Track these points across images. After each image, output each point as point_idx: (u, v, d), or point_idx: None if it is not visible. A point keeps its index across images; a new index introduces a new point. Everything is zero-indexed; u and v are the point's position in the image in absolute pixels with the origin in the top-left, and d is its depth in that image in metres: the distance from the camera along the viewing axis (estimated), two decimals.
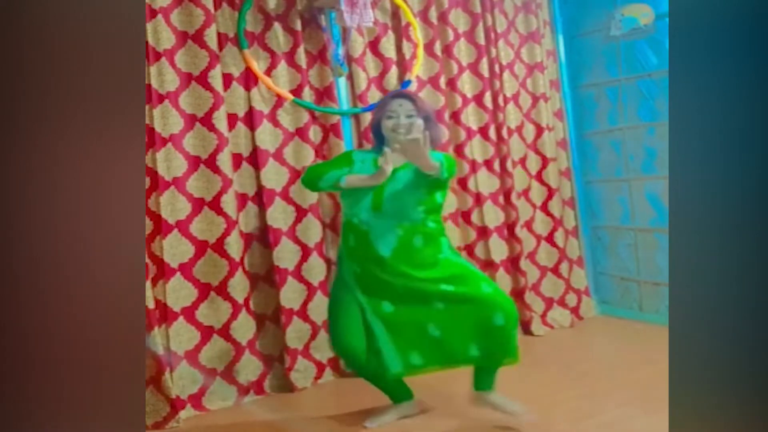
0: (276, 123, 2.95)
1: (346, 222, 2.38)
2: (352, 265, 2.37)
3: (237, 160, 2.89)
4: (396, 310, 2.31)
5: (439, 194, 2.34)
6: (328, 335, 2.47)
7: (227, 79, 2.85)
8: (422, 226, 2.30)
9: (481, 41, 3.47)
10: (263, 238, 2.94)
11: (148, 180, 2.66)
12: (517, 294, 3.53)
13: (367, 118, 3.05)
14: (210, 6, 2.77)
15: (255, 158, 2.90)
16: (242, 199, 2.90)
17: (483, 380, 2.36)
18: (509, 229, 3.52)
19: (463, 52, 3.45)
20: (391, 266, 2.28)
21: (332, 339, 2.44)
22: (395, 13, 3.28)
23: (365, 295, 2.34)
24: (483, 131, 3.46)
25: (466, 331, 2.26)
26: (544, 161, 3.67)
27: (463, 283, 2.28)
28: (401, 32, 3.26)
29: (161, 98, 2.68)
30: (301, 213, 2.97)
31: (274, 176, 2.91)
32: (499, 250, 3.46)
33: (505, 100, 3.54)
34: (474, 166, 3.39)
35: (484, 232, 3.42)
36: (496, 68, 3.52)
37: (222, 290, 2.78)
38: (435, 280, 2.28)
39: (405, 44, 3.26)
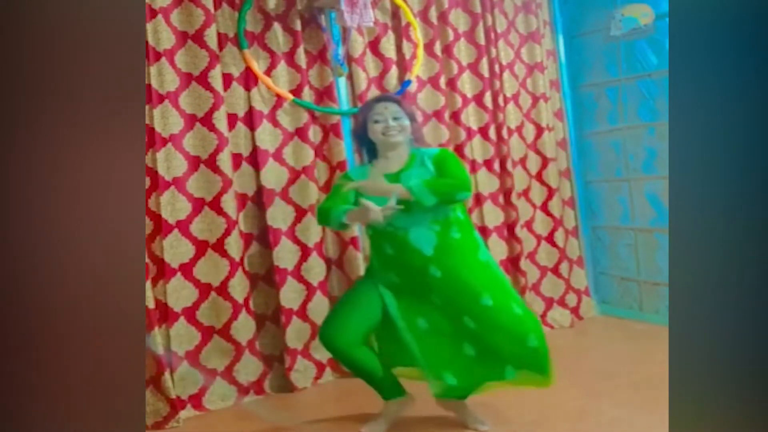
0: (276, 123, 2.95)
1: (378, 232, 2.25)
2: (390, 275, 2.29)
3: (237, 160, 2.89)
4: (431, 328, 2.25)
5: None
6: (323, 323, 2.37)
7: (227, 79, 2.85)
8: (455, 218, 2.25)
9: (481, 41, 3.47)
10: (263, 238, 2.94)
11: (148, 180, 2.66)
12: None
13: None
14: (210, 6, 2.77)
15: (255, 158, 2.90)
16: (242, 199, 2.90)
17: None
18: (509, 229, 3.52)
19: (463, 52, 3.44)
20: (437, 263, 2.21)
21: (322, 326, 2.35)
22: (395, 13, 3.28)
23: (401, 306, 2.28)
24: (483, 131, 3.46)
25: (501, 352, 2.21)
26: (544, 161, 3.67)
27: (499, 299, 2.21)
28: (401, 32, 3.26)
29: (161, 98, 2.68)
30: (300, 213, 2.97)
31: (274, 176, 2.91)
32: (499, 250, 3.46)
33: (505, 100, 3.54)
34: (474, 166, 3.39)
35: (484, 232, 3.42)
36: (496, 68, 3.52)
37: (222, 290, 2.78)
38: (477, 288, 2.20)
39: (405, 44, 3.26)
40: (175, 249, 2.70)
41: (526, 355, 2.21)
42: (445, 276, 2.21)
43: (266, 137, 2.91)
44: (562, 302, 3.69)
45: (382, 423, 2.37)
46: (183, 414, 2.63)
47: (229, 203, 2.78)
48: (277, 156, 2.94)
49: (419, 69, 3.26)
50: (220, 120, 2.78)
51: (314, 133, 3.03)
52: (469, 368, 2.25)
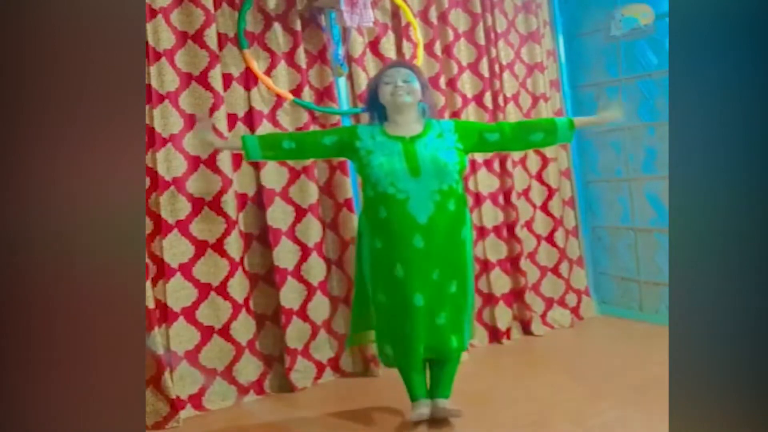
0: (276, 123, 2.95)
1: (378, 195, 2.26)
2: (374, 240, 2.30)
3: (237, 160, 2.89)
4: (387, 302, 2.29)
5: (465, 157, 2.34)
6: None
7: (227, 79, 2.85)
8: (455, 190, 2.28)
9: (481, 41, 3.47)
10: (263, 238, 2.94)
11: (148, 180, 2.66)
12: (517, 294, 3.53)
13: (367, 118, 3.05)
14: (210, 6, 2.77)
15: None
16: (242, 199, 2.90)
17: (441, 389, 2.39)
18: (509, 229, 3.52)
19: (463, 52, 3.44)
20: (424, 234, 2.22)
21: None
22: (395, 13, 3.28)
23: (373, 276, 2.32)
24: None
25: (424, 330, 2.28)
26: (544, 161, 3.67)
27: (443, 274, 2.29)
28: (401, 32, 3.26)
29: (161, 98, 2.68)
30: (301, 213, 2.97)
31: (274, 176, 2.91)
32: (498, 250, 3.46)
33: (505, 100, 3.54)
34: (474, 166, 3.39)
35: (484, 232, 3.42)
36: (496, 68, 3.52)
37: (222, 290, 2.77)
38: (436, 260, 2.25)
39: (405, 44, 3.26)
40: (175, 249, 2.70)
41: (433, 332, 2.28)
42: (425, 247, 2.23)
43: None
44: (562, 302, 3.69)
45: (425, 408, 2.36)
46: (183, 414, 2.63)
47: (229, 203, 2.78)
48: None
49: None
50: (220, 120, 2.78)
51: None
52: (399, 347, 2.32)
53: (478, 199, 3.41)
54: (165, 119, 2.68)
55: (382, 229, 2.28)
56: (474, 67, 3.47)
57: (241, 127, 2.89)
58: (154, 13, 2.66)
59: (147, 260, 2.65)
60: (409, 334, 2.26)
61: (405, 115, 2.31)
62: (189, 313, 2.73)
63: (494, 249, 3.44)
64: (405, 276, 2.24)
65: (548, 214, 3.70)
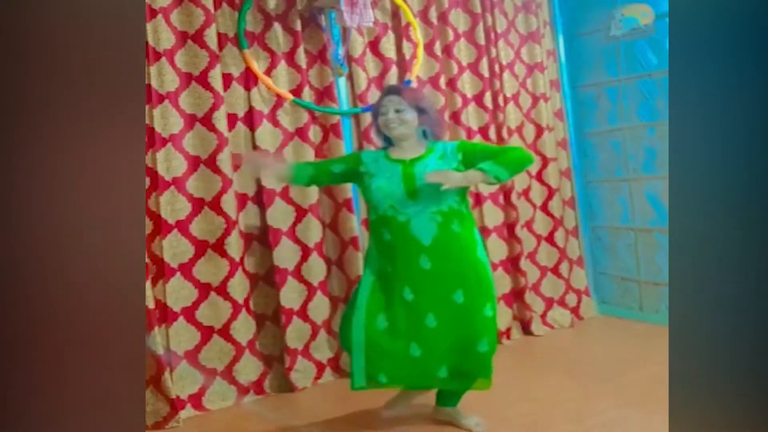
0: (276, 123, 2.95)
1: (380, 218, 2.26)
2: (384, 263, 2.26)
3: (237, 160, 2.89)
4: (388, 327, 2.21)
5: None
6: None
7: (227, 79, 2.85)
8: (458, 211, 2.25)
9: (481, 41, 3.47)
10: (263, 238, 2.94)
11: (148, 180, 2.66)
12: (517, 294, 3.53)
13: (367, 117, 3.05)
14: (210, 6, 2.77)
15: None
16: (242, 199, 2.90)
17: (449, 398, 2.39)
18: (509, 229, 3.52)
19: (463, 52, 3.44)
20: (431, 255, 2.19)
21: (340, 330, 2.36)
22: (395, 13, 3.28)
23: (372, 298, 2.24)
24: (483, 131, 3.46)
25: (444, 352, 2.21)
26: (544, 161, 3.67)
27: (473, 297, 2.21)
28: (401, 32, 3.26)
29: (161, 98, 2.68)
30: (301, 213, 2.97)
31: None
32: (499, 250, 3.46)
33: (505, 100, 3.54)
34: None
35: (484, 232, 3.42)
36: (496, 68, 3.52)
37: (222, 290, 2.77)
38: (454, 283, 2.20)
39: (405, 44, 3.26)
40: (175, 249, 2.70)
41: (472, 358, 2.22)
42: (433, 269, 2.20)
43: (266, 137, 2.91)
44: (562, 302, 3.69)
45: (402, 405, 2.38)
46: (183, 414, 2.63)
47: (229, 203, 2.78)
48: (278, 156, 2.93)
49: (419, 69, 3.26)
50: (220, 120, 2.78)
51: (314, 133, 3.03)
52: (407, 369, 2.21)
53: (479, 199, 3.42)
54: (165, 119, 2.69)
55: (387, 253, 2.26)
56: (474, 67, 3.47)
57: (241, 128, 2.89)
58: (154, 13, 2.66)
59: (147, 260, 2.65)
60: (416, 357, 2.19)
61: (405, 141, 2.30)
62: (189, 313, 2.73)
63: (495, 249, 3.43)
64: (415, 298, 2.20)
65: (548, 214, 3.70)
